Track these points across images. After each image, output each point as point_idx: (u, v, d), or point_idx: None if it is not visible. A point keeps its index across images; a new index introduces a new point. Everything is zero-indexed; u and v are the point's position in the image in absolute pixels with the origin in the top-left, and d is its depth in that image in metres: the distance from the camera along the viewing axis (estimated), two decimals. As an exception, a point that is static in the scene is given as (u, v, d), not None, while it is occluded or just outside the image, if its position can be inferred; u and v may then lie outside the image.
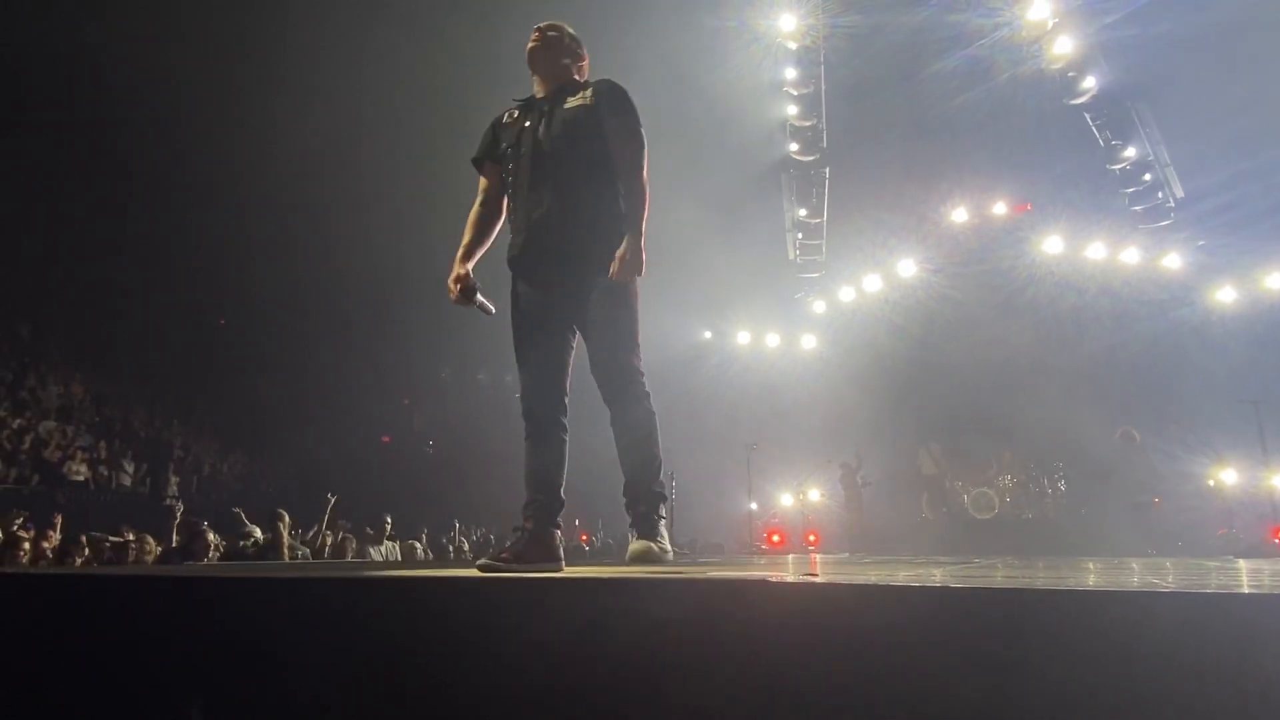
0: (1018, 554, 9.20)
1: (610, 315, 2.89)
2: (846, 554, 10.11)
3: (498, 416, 18.21)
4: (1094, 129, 13.39)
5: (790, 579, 1.75)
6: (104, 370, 16.97)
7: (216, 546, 7.09)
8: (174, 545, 7.19)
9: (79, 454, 13.78)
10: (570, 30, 3.21)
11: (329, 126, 14.72)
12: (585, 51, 3.25)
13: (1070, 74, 12.76)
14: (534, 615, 1.66)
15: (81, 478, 13.44)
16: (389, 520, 10.13)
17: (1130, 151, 13.34)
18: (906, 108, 13.45)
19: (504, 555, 2.53)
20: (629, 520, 2.93)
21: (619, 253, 2.81)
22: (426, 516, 13.52)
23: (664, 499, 2.94)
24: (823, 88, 13.48)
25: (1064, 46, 12.43)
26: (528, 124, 3.03)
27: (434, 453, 20.86)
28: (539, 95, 3.12)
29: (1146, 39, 11.53)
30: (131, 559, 6.85)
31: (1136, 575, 2.57)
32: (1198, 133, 12.81)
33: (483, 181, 3.18)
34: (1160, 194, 13.65)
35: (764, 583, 1.63)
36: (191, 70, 14.10)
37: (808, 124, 13.85)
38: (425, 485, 17.90)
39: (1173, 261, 13.93)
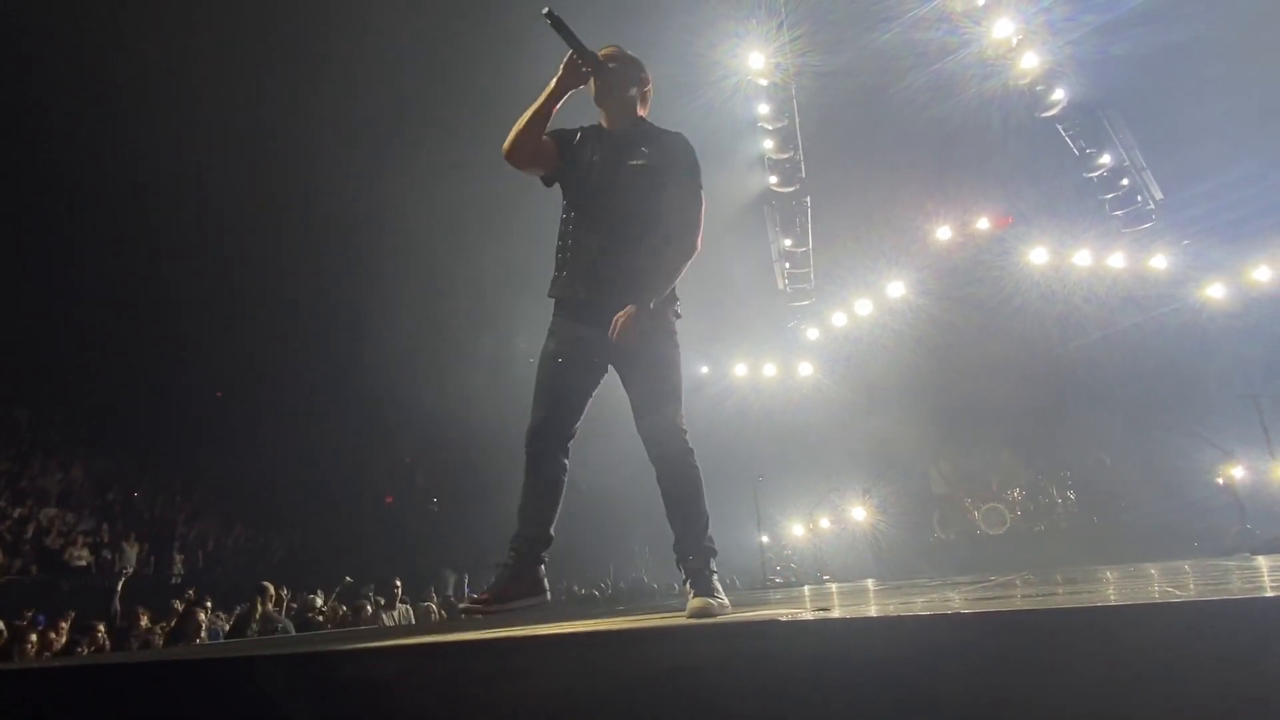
0: (1034, 568, 9.12)
1: (658, 374, 2.83)
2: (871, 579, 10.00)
3: (501, 468, 18.14)
4: (1067, 139, 13.57)
5: (808, 616, 1.73)
6: (104, 452, 16.88)
7: (209, 624, 7.02)
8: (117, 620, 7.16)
9: (80, 539, 13.64)
10: (630, 54, 3.05)
11: (323, 202, 14.91)
12: (648, 74, 3.08)
13: (1039, 88, 12.96)
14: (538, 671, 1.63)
15: (84, 563, 13.28)
16: (399, 584, 10.00)
17: (1105, 158, 13.51)
18: (881, 132, 13.64)
19: (484, 596, 2.52)
20: (682, 575, 2.83)
21: (624, 312, 2.72)
22: (435, 576, 13.37)
23: (714, 553, 2.83)
24: (797, 120, 13.67)
25: (1030, 62, 12.65)
26: (595, 158, 2.92)
27: (438, 510, 20.69)
28: (606, 126, 3.01)
29: (1110, 54, 11.76)
30: (137, 644, 6.76)
31: (1156, 585, 2.54)
32: (1171, 134, 13.00)
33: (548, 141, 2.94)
34: (1139, 197, 13.80)
35: (775, 622, 1.61)
36: (187, 153, 14.29)
37: (785, 156, 14.02)
38: (432, 544, 17.74)
39: (1159, 262, 14.03)
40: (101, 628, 6.79)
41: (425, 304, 17.44)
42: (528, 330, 19.49)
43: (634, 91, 3.01)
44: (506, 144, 2.87)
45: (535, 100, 2.83)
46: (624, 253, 2.81)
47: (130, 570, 9.72)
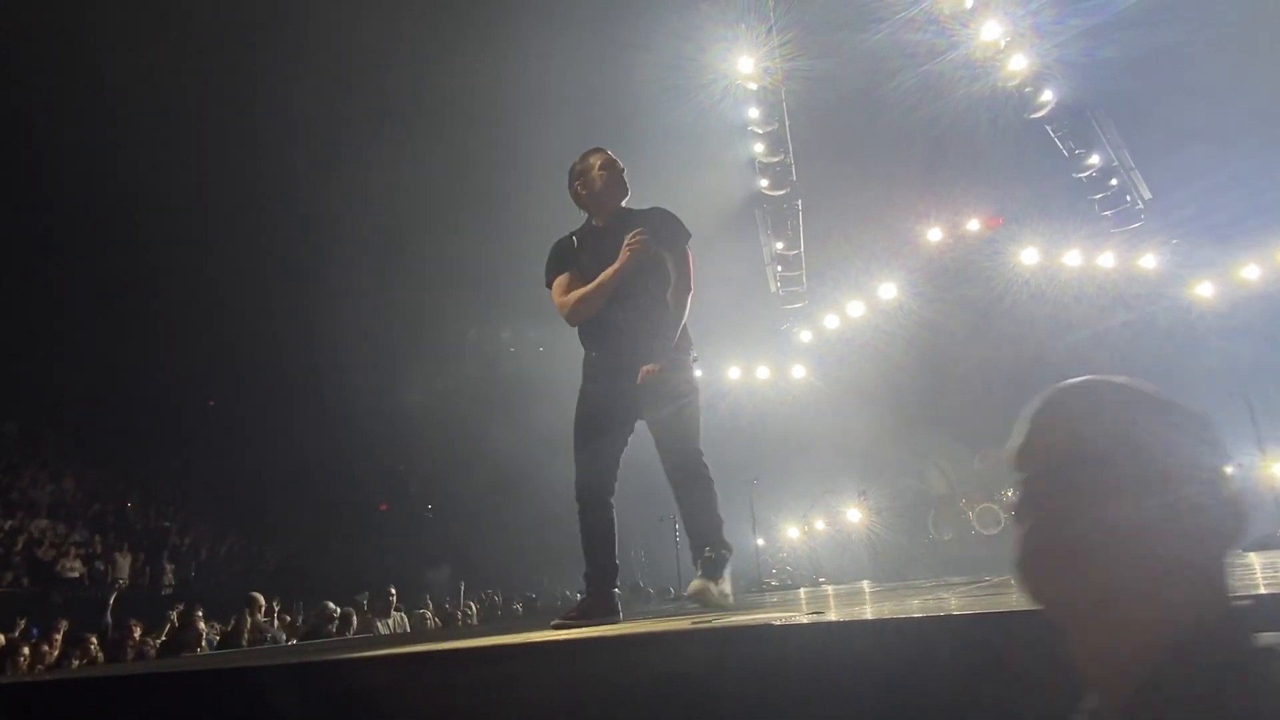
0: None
1: (678, 413, 3.27)
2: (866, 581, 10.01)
3: (495, 473, 18.11)
4: (1056, 140, 13.62)
5: (804, 620, 1.72)
6: (95, 463, 16.79)
7: (209, 634, 6.99)
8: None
9: (73, 550, 13.54)
10: (612, 157, 3.56)
11: (313, 208, 14.88)
12: (624, 168, 3.57)
13: (1027, 89, 13.01)
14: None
15: (76, 574, 13.19)
16: (393, 591, 9.94)
17: (1094, 159, 13.56)
18: (871, 135, 13.66)
19: (571, 614, 3.07)
20: (697, 569, 3.23)
21: (646, 367, 3.21)
22: (430, 583, 13.32)
23: (730, 550, 3.29)
24: (786, 123, 13.69)
25: (1019, 63, 12.69)
26: (591, 255, 3.43)
27: (433, 516, 20.63)
28: (597, 225, 3.53)
29: (1098, 57, 11.82)
30: (132, 655, 6.71)
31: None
32: (1159, 135, 13.07)
33: (563, 279, 3.47)
34: (1128, 197, 13.86)
35: (769, 626, 1.61)
36: (173, 162, 14.25)
37: (775, 160, 14.03)
38: (426, 551, 17.69)
39: (1149, 262, 14.09)
40: (94, 640, 6.75)
41: (418, 310, 17.41)
42: (514, 329, 19.50)
43: (620, 194, 3.52)
44: (570, 316, 3.42)
45: (603, 282, 3.33)
46: (625, 320, 3.32)
47: (124, 582, 9.66)
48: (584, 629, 2.55)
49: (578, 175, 3.53)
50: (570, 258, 3.49)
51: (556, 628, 2.75)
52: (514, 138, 13.63)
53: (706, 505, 3.31)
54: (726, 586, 3.16)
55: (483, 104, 13.99)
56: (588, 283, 3.35)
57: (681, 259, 3.40)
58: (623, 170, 3.53)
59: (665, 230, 3.40)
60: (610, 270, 3.29)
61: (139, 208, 14.97)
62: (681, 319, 3.35)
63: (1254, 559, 4.60)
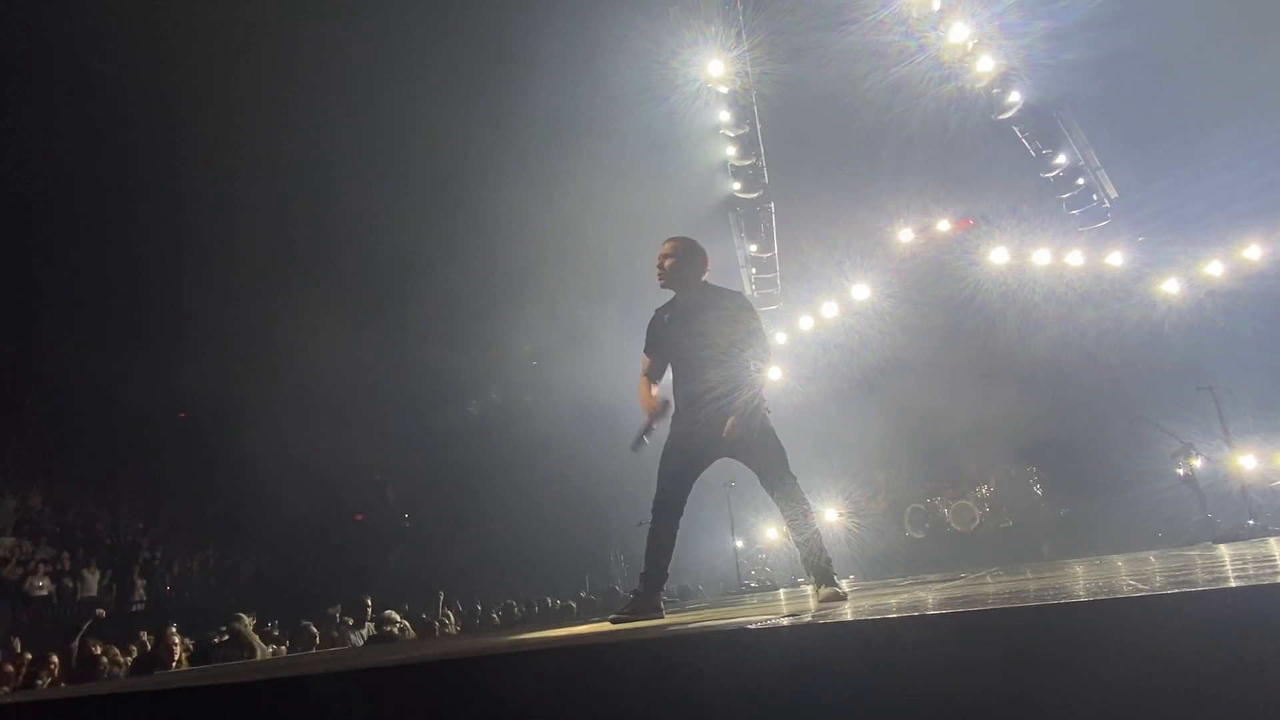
0: (1003, 564, 9.24)
1: (768, 446, 4.11)
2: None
3: (473, 484, 18.00)
4: (1024, 140, 13.81)
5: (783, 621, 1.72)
6: (63, 478, 16.43)
7: (185, 649, 6.86)
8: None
9: (40, 567, 13.25)
10: (688, 241, 4.31)
11: (282, 215, 14.71)
12: (707, 254, 4.34)
13: (995, 90, 13.17)
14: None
15: (45, 592, 12.91)
16: (369, 602, 9.84)
17: (1061, 159, 13.75)
18: (842, 137, 13.75)
19: (625, 611, 3.88)
20: (811, 577, 4.05)
21: (731, 422, 3.99)
22: (407, 593, 13.18)
23: (830, 558, 4.03)
24: (758, 127, 13.75)
25: (986, 65, 12.84)
26: (670, 329, 4.27)
27: (410, 526, 20.44)
28: (681, 300, 4.29)
29: (1062, 59, 12.01)
30: (104, 674, 6.57)
31: (1124, 578, 2.58)
32: (1125, 134, 13.31)
33: (646, 361, 4.37)
34: (1095, 196, 14.08)
35: (745, 630, 1.60)
36: (133, 171, 14.02)
37: (747, 163, 14.07)
38: (403, 561, 17.53)
39: (1115, 259, 14.33)
40: (55, 660, 6.60)
41: (390, 319, 17.27)
42: (498, 347, 19.41)
43: (698, 270, 4.29)
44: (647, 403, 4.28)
45: (642, 396, 4.29)
46: (697, 384, 4.12)
47: (102, 613, 9.47)
48: (556, 634, 2.54)
49: (658, 262, 4.28)
50: (657, 335, 4.34)
51: (614, 622, 3.64)
52: (489, 142, 13.59)
53: (808, 523, 4.08)
54: (842, 586, 3.86)
55: (454, 110, 13.90)
56: (678, 353, 4.23)
57: (760, 337, 4.19)
58: (693, 254, 4.27)
59: (748, 321, 4.19)
60: (649, 403, 4.21)
61: (104, 215, 14.72)
62: (761, 379, 4.19)
63: (1223, 551, 4.68)
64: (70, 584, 13.57)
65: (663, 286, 4.32)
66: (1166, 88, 12.53)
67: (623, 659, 1.60)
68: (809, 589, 8.03)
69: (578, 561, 17.16)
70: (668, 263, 4.25)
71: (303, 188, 14.76)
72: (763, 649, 1.50)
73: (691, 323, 4.19)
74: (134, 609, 13.62)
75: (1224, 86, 11.78)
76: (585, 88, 12.69)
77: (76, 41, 12.63)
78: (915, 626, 1.48)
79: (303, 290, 16.17)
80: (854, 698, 1.36)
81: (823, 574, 3.92)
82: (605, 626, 3.71)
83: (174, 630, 7.28)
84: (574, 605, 13.45)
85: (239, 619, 7.40)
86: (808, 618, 1.69)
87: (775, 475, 4.08)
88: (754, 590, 11.75)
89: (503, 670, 1.70)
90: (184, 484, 17.50)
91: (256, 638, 7.40)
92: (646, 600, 3.92)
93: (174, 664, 6.72)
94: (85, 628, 8.04)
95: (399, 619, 8.22)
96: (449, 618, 11.91)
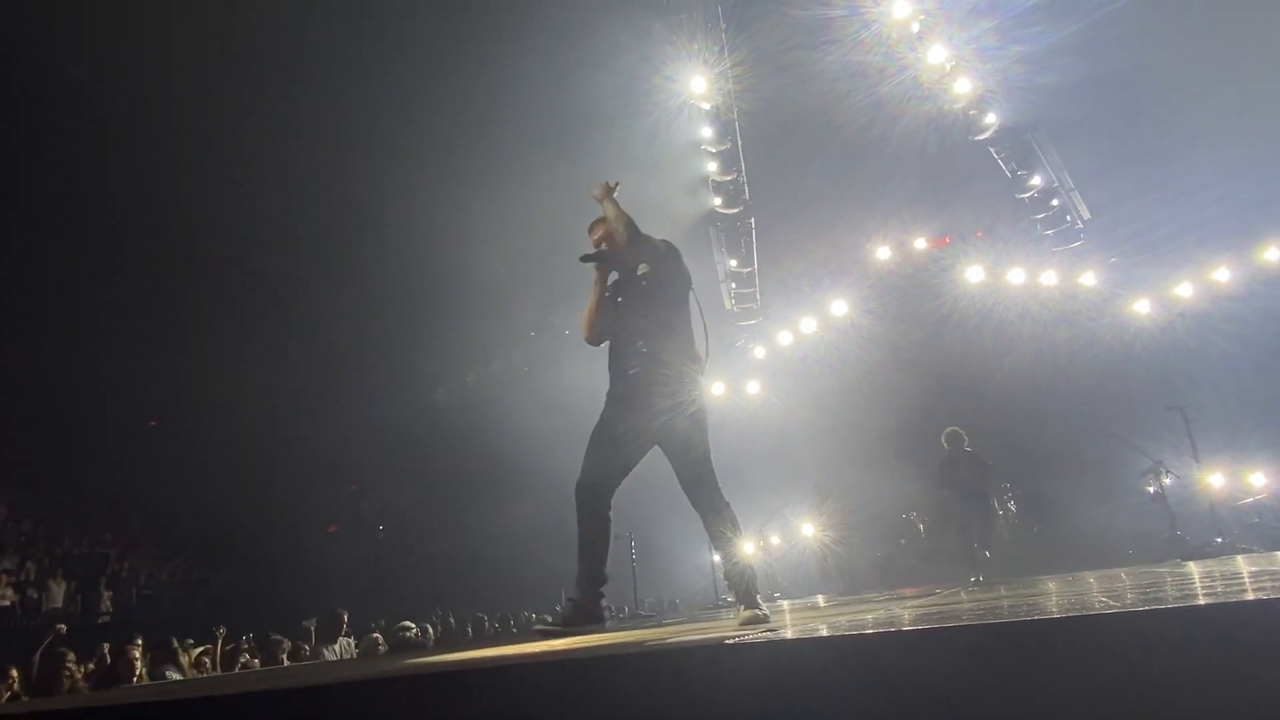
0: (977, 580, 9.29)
1: (693, 443, 3.61)
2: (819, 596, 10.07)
3: (448, 494, 17.85)
4: (999, 161, 14.02)
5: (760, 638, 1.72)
6: (27, 485, 16.08)
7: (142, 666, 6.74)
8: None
9: (3, 578, 12.94)
10: (615, 215, 4.01)
11: (253, 220, 14.59)
12: (629, 221, 3.98)
13: (971, 112, 13.39)
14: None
15: (7, 603, 12.61)
16: (345, 615, 9.67)
17: (1036, 180, 13.99)
18: (822, 154, 13.90)
19: (556, 622, 3.42)
20: (731, 596, 3.80)
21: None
22: (382, 607, 13.02)
23: (755, 577, 3.58)
24: (739, 143, 13.86)
25: (963, 87, 13.06)
26: (619, 299, 3.97)
27: (384, 537, 20.21)
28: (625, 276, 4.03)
29: (1036, 82, 12.25)
30: (66, 687, 6.42)
31: (1097, 595, 2.60)
32: (1098, 156, 13.55)
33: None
34: (1069, 217, 14.32)
35: (722, 645, 1.60)
36: (107, 177, 13.85)
37: (729, 179, 14.18)
38: (377, 574, 17.32)
39: (1089, 280, 14.55)
40: (15, 673, 6.44)
41: (364, 327, 17.15)
42: (471, 354, 19.33)
43: (622, 241, 3.98)
44: (587, 337, 3.99)
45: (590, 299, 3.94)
46: (629, 354, 3.80)
47: (63, 628, 9.27)
48: (533, 648, 2.51)
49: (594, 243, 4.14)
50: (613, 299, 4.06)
51: (539, 634, 3.10)
52: (472, 155, 13.57)
53: (732, 534, 3.63)
54: (764, 609, 3.46)
55: (438, 123, 13.90)
56: (616, 326, 3.93)
57: (684, 282, 3.98)
58: (605, 230, 4.08)
59: (671, 266, 3.95)
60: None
61: (69, 217, 14.51)
62: (703, 369, 3.84)
63: (1192, 568, 4.74)
64: (35, 595, 13.27)
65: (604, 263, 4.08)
66: (1139, 112, 12.81)
67: (574, 677, 1.59)
68: (783, 603, 8.05)
69: (557, 575, 17.06)
70: (603, 245, 4.07)
71: (276, 193, 14.64)
72: (733, 665, 1.49)
73: (627, 288, 3.98)
74: (100, 620, 13.33)
75: (1195, 111, 12.05)
76: (568, 102, 12.74)
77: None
78: (891, 643, 1.48)
79: (272, 299, 16.03)
80: (828, 716, 1.36)
81: (744, 594, 3.54)
82: (587, 641, 2.91)
83: (138, 644, 7.13)
84: (549, 619, 13.34)
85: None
86: (732, 639, 1.68)
87: (694, 478, 3.61)
88: (731, 604, 11.72)
89: (448, 689, 1.69)
90: (153, 494, 17.19)
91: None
92: (582, 609, 3.44)
93: (134, 678, 6.58)
94: (46, 643, 7.87)
95: (413, 626, 8.28)
96: (427, 631, 11.79)
